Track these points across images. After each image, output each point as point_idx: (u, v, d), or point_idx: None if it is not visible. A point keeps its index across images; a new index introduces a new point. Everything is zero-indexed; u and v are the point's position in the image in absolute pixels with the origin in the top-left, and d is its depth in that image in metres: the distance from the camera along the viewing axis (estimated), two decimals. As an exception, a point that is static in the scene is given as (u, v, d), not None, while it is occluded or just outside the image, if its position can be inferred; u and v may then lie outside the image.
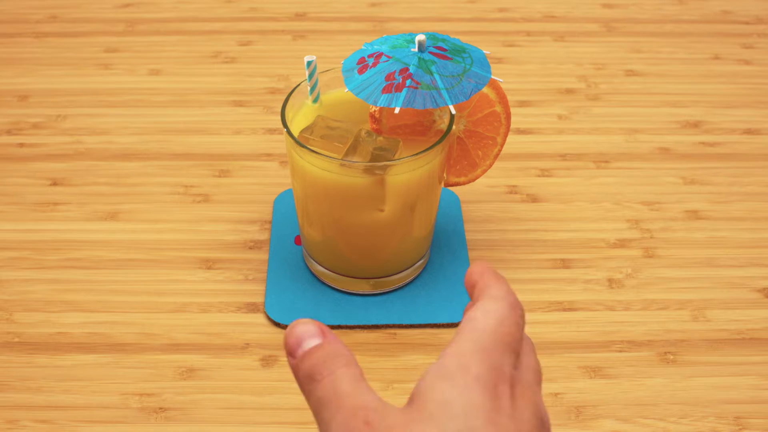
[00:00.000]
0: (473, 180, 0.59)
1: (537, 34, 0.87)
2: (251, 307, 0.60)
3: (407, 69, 0.52)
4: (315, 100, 0.57)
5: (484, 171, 0.59)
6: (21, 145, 0.73)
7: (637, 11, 0.91)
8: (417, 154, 0.52)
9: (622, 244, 0.65)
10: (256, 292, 0.60)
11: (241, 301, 0.60)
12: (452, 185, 0.60)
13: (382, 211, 0.54)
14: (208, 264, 0.63)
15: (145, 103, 0.77)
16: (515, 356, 0.37)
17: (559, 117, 0.76)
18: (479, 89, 0.52)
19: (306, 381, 0.35)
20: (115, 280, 0.61)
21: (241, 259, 0.63)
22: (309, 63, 0.56)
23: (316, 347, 0.36)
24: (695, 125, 0.76)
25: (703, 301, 0.61)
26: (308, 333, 0.36)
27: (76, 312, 0.59)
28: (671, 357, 0.57)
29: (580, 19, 0.89)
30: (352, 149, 0.53)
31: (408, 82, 0.51)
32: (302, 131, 0.54)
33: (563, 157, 0.72)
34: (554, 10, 0.91)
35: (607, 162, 0.72)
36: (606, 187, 0.69)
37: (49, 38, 0.85)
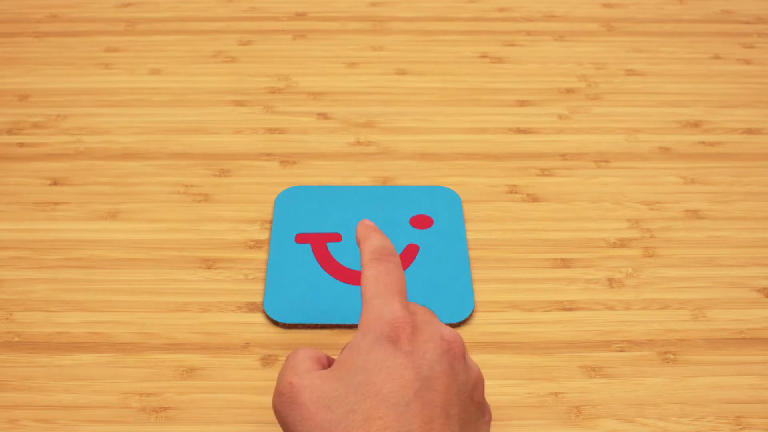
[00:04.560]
0: None
1: (537, 33, 0.87)
2: (251, 307, 0.60)
3: None
4: None
5: None
6: (21, 144, 0.73)
7: (637, 11, 0.91)
8: None
9: (622, 243, 0.65)
10: (256, 292, 0.60)
11: (241, 300, 0.60)
12: None
13: None
14: (208, 264, 0.63)
15: (145, 102, 0.77)
16: (402, 297, 0.44)
17: (560, 117, 0.76)
18: None
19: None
20: (115, 280, 0.61)
21: (242, 259, 0.63)
22: None
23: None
24: (695, 125, 0.76)
25: (703, 301, 0.61)
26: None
27: (76, 312, 0.59)
28: (671, 357, 0.57)
29: (580, 19, 0.89)
30: None
31: None
32: None
33: (563, 156, 0.72)
34: (554, 10, 0.91)
35: (607, 162, 0.72)
36: (606, 186, 0.69)
37: (49, 38, 0.85)
